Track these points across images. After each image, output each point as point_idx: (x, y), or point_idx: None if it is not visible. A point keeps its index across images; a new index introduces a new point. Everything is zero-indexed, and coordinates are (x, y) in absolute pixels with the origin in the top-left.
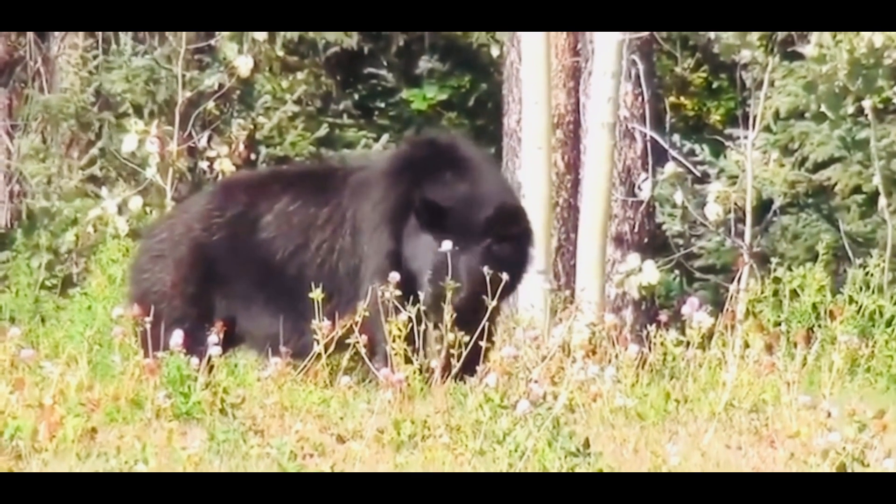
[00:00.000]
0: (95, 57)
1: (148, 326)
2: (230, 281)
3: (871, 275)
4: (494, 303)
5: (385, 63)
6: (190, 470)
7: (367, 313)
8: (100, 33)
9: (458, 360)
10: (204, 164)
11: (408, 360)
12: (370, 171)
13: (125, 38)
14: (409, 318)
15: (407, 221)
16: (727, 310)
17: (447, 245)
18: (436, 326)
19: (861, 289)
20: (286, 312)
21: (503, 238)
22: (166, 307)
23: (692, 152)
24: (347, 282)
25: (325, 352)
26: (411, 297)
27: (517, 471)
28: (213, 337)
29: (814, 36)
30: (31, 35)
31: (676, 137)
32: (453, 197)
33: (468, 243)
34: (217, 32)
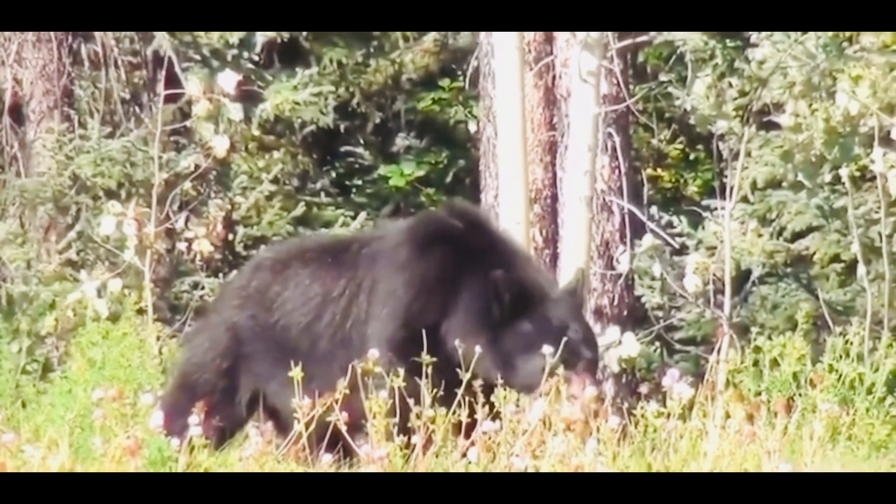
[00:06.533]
0: (71, 140)
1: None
2: (256, 358)
3: (851, 343)
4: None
5: (362, 140)
6: None
7: (346, 391)
8: (76, 117)
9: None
10: (182, 245)
11: (389, 437)
12: (387, 240)
13: (93, 121)
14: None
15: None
16: (707, 380)
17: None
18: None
19: (841, 357)
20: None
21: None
22: (199, 378)
23: (670, 224)
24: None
25: (306, 430)
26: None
27: None
28: (194, 417)
29: (789, 105)
30: (7, 120)
31: (654, 209)
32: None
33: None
34: (193, 114)
